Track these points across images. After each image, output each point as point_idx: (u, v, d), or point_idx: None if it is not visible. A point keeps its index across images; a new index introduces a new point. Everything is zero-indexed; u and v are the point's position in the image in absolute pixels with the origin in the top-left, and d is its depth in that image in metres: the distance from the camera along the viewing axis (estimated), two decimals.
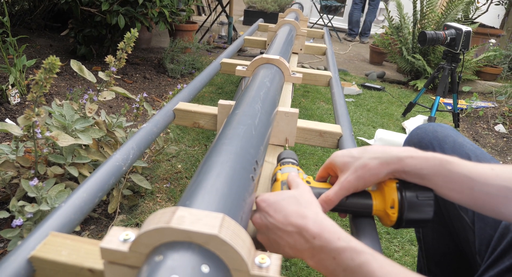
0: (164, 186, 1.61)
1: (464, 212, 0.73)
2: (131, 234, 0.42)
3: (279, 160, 0.68)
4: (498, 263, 0.60)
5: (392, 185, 0.54)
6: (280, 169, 0.64)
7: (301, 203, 0.50)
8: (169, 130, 1.99)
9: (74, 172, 1.10)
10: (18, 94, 2.09)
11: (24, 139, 1.17)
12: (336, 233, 0.45)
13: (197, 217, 0.40)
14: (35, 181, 0.94)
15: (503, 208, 0.50)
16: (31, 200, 1.06)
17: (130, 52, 1.21)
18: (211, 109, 1.01)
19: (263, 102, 0.82)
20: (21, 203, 0.98)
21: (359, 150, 0.57)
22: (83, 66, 1.21)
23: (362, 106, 2.95)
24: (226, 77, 3.18)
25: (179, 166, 1.78)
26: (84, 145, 1.27)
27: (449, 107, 3.00)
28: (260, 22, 2.67)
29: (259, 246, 0.54)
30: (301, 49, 2.06)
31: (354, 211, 0.57)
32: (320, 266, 0.46)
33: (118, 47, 1.20)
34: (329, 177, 0.63)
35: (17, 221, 0.91)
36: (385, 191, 0.55)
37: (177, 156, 1.86)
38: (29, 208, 0.95)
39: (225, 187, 0.49)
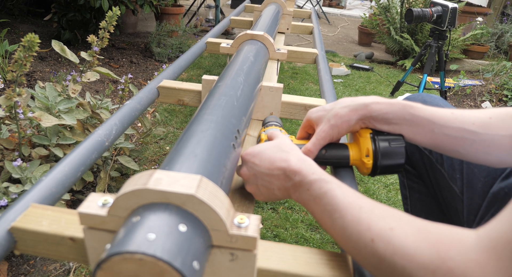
0: (152, 167, 1.61)
1: (453, 182, 0.74)
2: (109, 198, 0.42)
3: (264, 124, 0.72)
4: None
5: (366, 135, 0.58)
6: (264, 131, 0.68)
7: (283, 149, 0.54)
8: (156, 112, 1.98)
9: (59, 153, 1.09)
10: (1, 80, 2.05)
11: (6, 121, 1.15)
12: (311, 169, 0.49)
13: (175, 178, 0.40)
14: (18, 161, 0.93)
15: (461, 148, 0.54)
16: (16, 182, 1.05)
17: (112, 31, 1.19)
18: (195, 86, 1.01)
19: (246, 75, 0.81)
20: (5, 184, 0.97)
21: (331, 104, 0.61)
22: (65, 47, 1.19)
23: (350, 86, 2.95)
24: (214, 60, 3.16)
25: (167, 148, 1.77)
26: (70, 127, 1.25)
27: (437, 86, 3.01)
28: (247, 3, 2.64)
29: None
30: (287, 29, 2.04)
31: (333, 163, 0.61)
32: (300, 199, 0.50)
33: (100, 26, 1.18)
34: (309, 136, 0.66)
35: (2, 202, 0.90)
36: (360, 141, 0.59)
37: (165, 138, 1.85)
38: (14, 189, 0.94)
39: (204, 153, 0.48)
